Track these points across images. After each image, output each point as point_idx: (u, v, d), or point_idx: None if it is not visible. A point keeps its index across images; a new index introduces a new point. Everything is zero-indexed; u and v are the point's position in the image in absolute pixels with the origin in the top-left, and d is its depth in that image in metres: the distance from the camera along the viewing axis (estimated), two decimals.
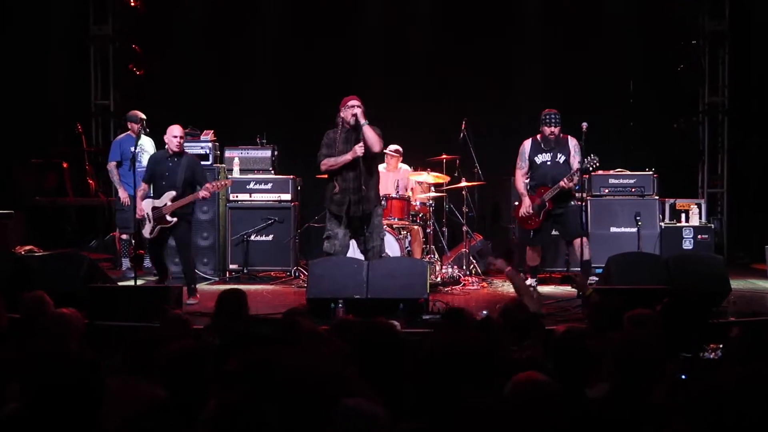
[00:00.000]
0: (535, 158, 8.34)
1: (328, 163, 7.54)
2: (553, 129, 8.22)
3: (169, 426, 3.02)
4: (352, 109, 7.40)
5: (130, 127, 9.55)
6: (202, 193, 7.77)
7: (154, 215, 7.83)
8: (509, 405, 2.68)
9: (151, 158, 8.26)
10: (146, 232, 7.95)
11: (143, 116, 9.65)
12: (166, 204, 7.82)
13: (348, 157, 7.39)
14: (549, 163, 8.30)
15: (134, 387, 3.36)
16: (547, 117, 8.27)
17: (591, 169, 8.24)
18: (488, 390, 2.75)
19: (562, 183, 8.09)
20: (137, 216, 7.92)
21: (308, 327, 4.12)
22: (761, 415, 2.65)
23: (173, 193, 7.83)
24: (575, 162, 8.18)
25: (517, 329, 4.61)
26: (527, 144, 8.41)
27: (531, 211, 8.27)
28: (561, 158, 8.27)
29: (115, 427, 2.96)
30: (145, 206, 7.89)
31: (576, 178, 8.14)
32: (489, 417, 2.50)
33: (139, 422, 3.00)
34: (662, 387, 3.40)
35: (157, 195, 7.92)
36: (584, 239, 8.15)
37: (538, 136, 8.37)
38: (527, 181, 8.48)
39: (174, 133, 7.97)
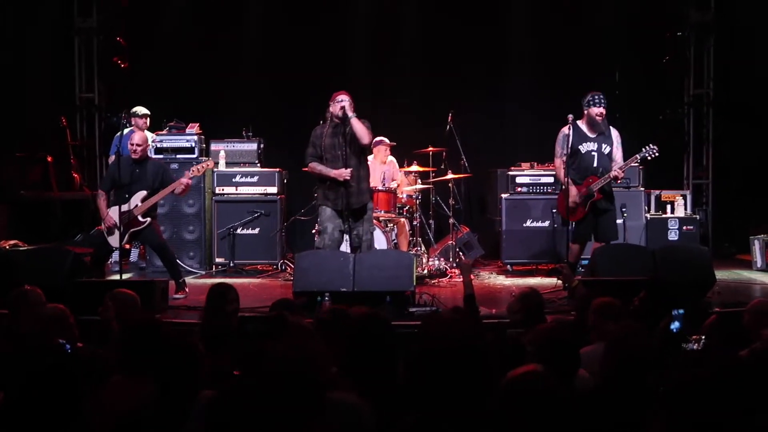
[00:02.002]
0: (579, 147, 7.86)
1: (315, 168, 7.57)
2: (602, 110, 7.75)
3: (160, 421, 3.02)
4: (341, 103, 7.39)
5: (134, 122, 9.52)
6: (177, 189, 7.65)
7: (122, 221, 7.52)
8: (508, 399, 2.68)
9: (113, 165, 7.95)
10: (114, 241, 7.68)
11: (147, 111, 9.64)
12: (137, 205, 7.61)
13: (332, 173, 7.41)
14: (594, 153, 7.87)
15: (125, 382, 3.35)
16: (596, 98, 7.79)
17: (649, 158, 7.87)
18: (483, 383, 2.73)
19: (614, 173, 7.70)
20: (106, 225, 7.65)
21: (295, 322, 4.12)
22: (739, 406, 2.67)
23: (144, 192, 7.65)
24: (618, 154, 7.84)
25: (534, 314, 4.72)
26: (568, 131, 7.84)
27: (578, 201, 7.82)
28: (606, 149, 7.86)
29: (107, 422, 2.96)
30: (113, 214, 7.62)
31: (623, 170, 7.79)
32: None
33: (131, 417, 3.00)
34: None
35: (119, 203, 7.58)
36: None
37: (579, 122, 7.90)
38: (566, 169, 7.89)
39: (132, 140, 7.76)
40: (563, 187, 7.94)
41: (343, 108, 7.37)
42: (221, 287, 5.22)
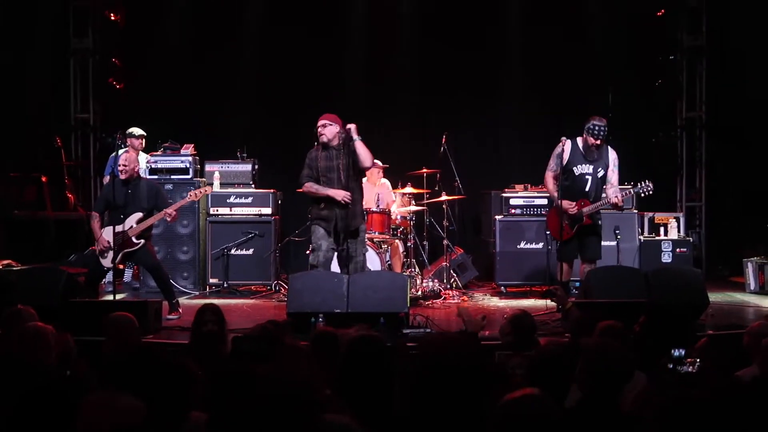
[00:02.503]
0: (574, 168, 7.84)
1: (310, 189, 7.61)
2: (597, 142, 7.69)
3: None
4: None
5: (129, 143, 9.54)
6: (170, 211, 7.66)
7: (116, 241, 7.51)
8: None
9: (107, 186, 7.96)
10: (107, 262, 7.67)
11: (143, 132, 9.66)
12: (132, 226, 7.63)
13: (330, 192, 7.45)
14: (589, 177, 7.83)
15: (112, 401, 3.34)
16: (595, 129, 7.68)
17: (642, 195, 7.93)
18: (480, 399, 2.74)
19: (614, 199, 7.65)
20: (100, 247, 7.66)
21: (289, 343, 4.12)
22: (735, 429, 2.67)
23: (139, 214, 7.66)
24: (614, 176, 7.82)
25: (524, 336, 4.75)
26: (567, 147, 7.82)
27: (574, 212, 7.78)
28: (600, 173, 7.82)
29: None
30: (106, 235, 7.62)
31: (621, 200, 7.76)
32: None
33: None
34: (635, 398, 3.44)
35: (115, 224, 7.58)
36: (595, 264, 7.96)
37: (579, 141, 7.86)
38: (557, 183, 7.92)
39: (120, 161, 7.78)
40: (554, 204, 7.98)
41: (349, 130, 7.43)
42: (200, 308, 5.21)
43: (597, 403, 3.31)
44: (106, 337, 4.88)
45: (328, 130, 7.51)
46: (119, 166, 7.72)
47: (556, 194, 7.86)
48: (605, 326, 4.45)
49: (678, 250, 9.70)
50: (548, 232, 8.78)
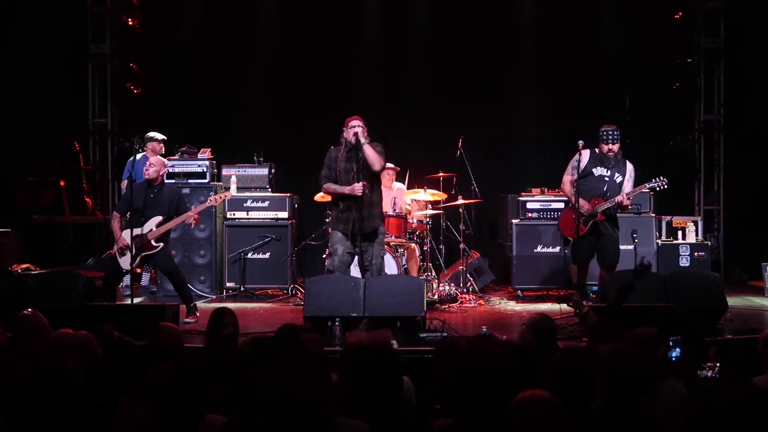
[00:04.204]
0: (594, 169, 7.88)
1: (328, 189, 7.60)
2: (611, 146, 7.76)
3: None
4: (354, 129, 7.41)
5: (150, 147, 9.58)
6: (192, 213, 7.72)
7: (135, 244, 7.55)
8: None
9: (128, 189, 7.95)
10: (125, 263, 7.70)
11: (164, 137, 9.70)
12: (151, 230, 7.69)
13: (346, 190, 7.42)
14: (607, 178, 7.87)
15: (125, 406, 3.35)
16: (605, 134, 7.79)
17: (658, 189, 7.93)
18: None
19: (619, 198, 7.70)
20: (119, 246, 7.72)
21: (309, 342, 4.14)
22: None
23: (159, 218, 7.72)
24: (628, 187, 7.84)
25: (546, 339, 4.72)
26: (585, 155, 7.88)
27: (588, 211, 7.80)
28: (618, 178, 7.86)
29: None
30: (125, 237, 7.66)
31: (629, 200, 7.78)
32: None
33: None
34: (657, 404, 3.41)
35: (135, 227, 7.62)
36: (614, 270, 7.90)
37: (597, 150, 7.91)
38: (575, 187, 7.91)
39: (150, 162, 7.89)
40: (569, 204, 7.99)
41: (356, 134, 7.39)
42: (217, 311, 5.23)
43: (616, 409, 3.28)
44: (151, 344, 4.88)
45: (362, 130, 7.40)
46: (150, 167, 7.78)
47: (573, 198, 7.85)
48: (639, 333, 4.38)
49: (696, 253, 9.65)
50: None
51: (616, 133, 7.80)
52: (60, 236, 11.15)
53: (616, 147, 7.79)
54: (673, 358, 3.97)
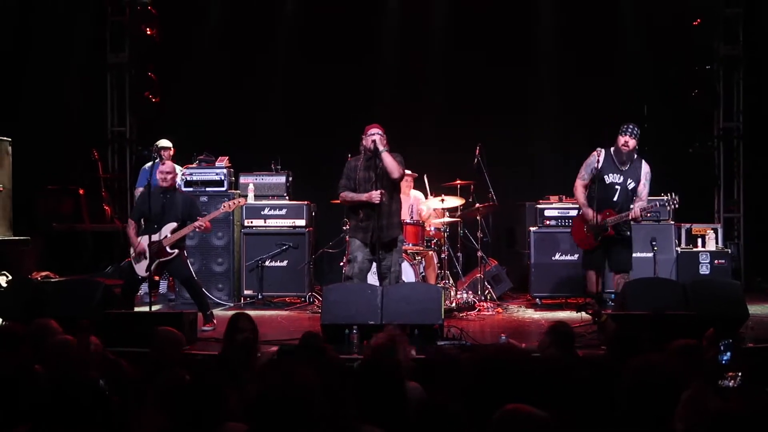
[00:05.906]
0: (605, 176, 7.77)
1: (346, 197, 7.56)
2: (627, 138, 7.63)
3: None
4: (372, 137, 7.39)
5: (165, 155, 9.61)
6: (201, 222, 7.68)
7: (151, 250, 7.56)
8: None
9: (142, 195, 8.04)
10: (141, 269, 7.72)
11: (169, 144, 9.73)
12: (166, 236, 7.70)
13: (363, 197, 7.38)
14: (618, 186, 7.77)
15: (142, 415, 3.36)
16: (624, 127, 7.70)
17: (668, 208, 7.92)
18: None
19: (632, 214, 7.58)
20: (136, 251, 7.74)
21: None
22: None
23: (174, 224, 7.73)
24: (644, 191, 7.76)
25: (565, 346, 4.71)
26: (600, 155, 7.77)
27: (590, 230, 7.76)
28: (631, 184, 7.75)
29: None
30: (144, 242, 7.67)
31: (644, 213, 7.73)
32: None
33: None
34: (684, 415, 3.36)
35: (148, 233, 7.64)
36: (627, 275, 7.84)
37: (612, 150, 7.81)
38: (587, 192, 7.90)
39: (162, 168, 7.87)
40: (580, 212, 7.97)
41: (374, 142, 7.37)
42: (233, 316, 5.22)
43: (641, 421, 3.23)
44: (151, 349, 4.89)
45: (380, 138, 7.37)
46: (163, 173, 7.79)
47: (584, 203, 7.82)
48: (680, 345, 4.29)
49: (716, 261, 9.57)
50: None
51: (636, 129, 7.71)
52: (79, 244, 11.21)
53: (632, 142, 7.69)
54: (724, 362, 3.94)
